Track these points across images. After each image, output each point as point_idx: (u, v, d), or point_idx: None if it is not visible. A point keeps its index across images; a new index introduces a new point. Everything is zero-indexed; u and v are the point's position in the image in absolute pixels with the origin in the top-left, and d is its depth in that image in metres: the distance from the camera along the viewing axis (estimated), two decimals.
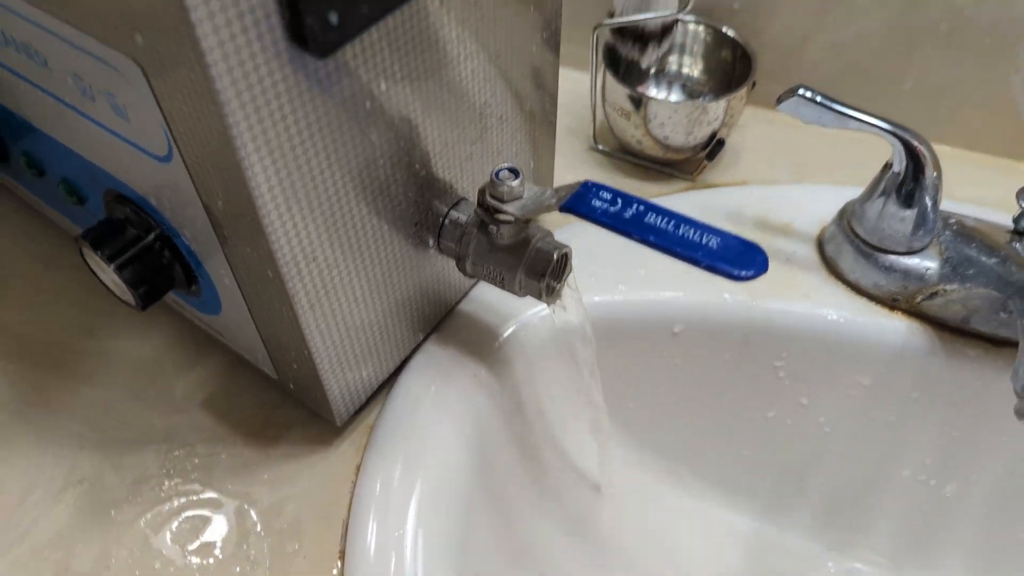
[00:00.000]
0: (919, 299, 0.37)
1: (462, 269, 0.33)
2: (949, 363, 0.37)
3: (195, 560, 0.31)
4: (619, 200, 0.27)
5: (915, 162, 0.34)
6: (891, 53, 0.44)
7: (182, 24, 0.19)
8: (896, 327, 0.37)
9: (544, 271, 0.31)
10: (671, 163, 0.44)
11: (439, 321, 0.37)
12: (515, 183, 0.29)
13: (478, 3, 0.28)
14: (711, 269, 0.25)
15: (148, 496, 0.33)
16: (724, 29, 0.44)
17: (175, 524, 0.32)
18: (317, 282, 0.27)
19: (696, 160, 0.44)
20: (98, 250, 0.29)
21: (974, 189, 0.42)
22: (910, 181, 0.35)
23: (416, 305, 0.34)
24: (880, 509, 0.43)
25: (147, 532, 0.32)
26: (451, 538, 0.32)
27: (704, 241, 0.26)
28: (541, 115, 0.36)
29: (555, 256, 0.31)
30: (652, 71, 0.45)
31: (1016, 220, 0.35)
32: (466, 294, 0.38)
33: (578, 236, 0.35)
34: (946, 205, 0.36)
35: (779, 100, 0.35)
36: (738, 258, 0.25)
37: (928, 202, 0.35)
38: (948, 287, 0.35)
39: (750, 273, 0.25)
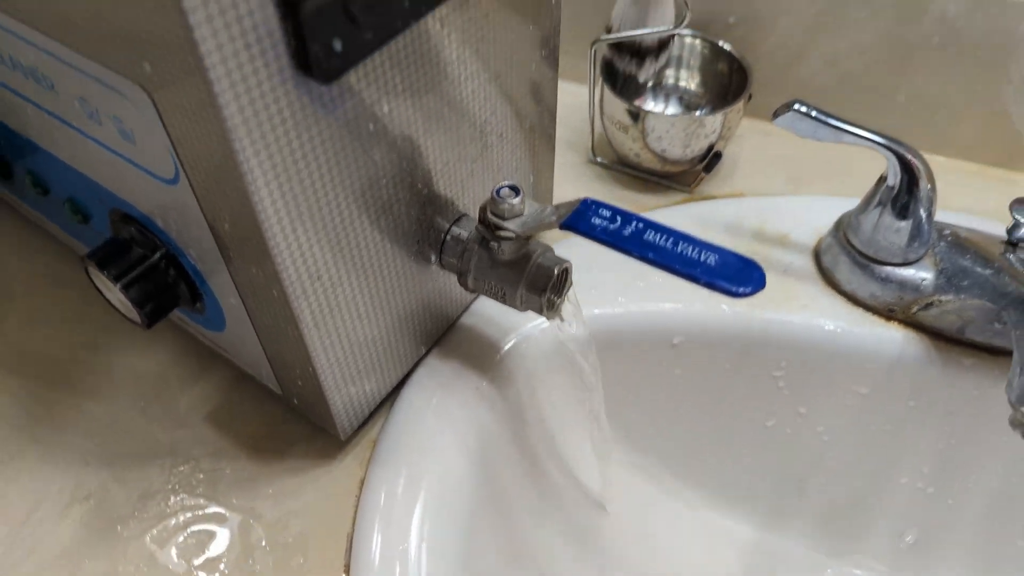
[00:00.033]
0: (915, 309, 0.37)
1: (464, 284, 0.33)
2: (945, 372, 0.38)
3: (201, 575, 0.31)
4: (618, 217, 0.28)
5: (909, 175, 0.35)
6: (885, 66, 0.44)
7: (191, 55, 0.19)
8: (893, 337, 0.38)
9: (545, 286, 0.31)
10: (669, 175, 0.45)
11: (441, 335, 0.37)
12: (516, 201, 0.30)
13: (479, 24, 0.28)
14: (710, 286, 0.26)
15: (154, 511, 0.33)
16: (720, 43, 0.45)
17: (181, 539, 0.32)
18: (322, 300, 0.28)
19: (694, 172, 0.44)
20: (104, 270, 0.29)
21: (969, 199, 0.43)
22: (905, 194, 0.35)
23: (418, 320, 0.34)
24: (878, 516, 0.44)
25: (153, 547, 0.32)
26: (455, 549, 0.33)
27: (702, 258, 0.26)
28: (540, 130, 0.37)
29: (556, 271, 0.31)
30: (649, 84, 0.45)
31: (1010, 231, 0.36)
32: (467, 307, 0.38)
33: (578, 249, 0.36)
34: (941, 215, 0.37)
35: (775, 115, 0.35)
36: (736, 275, 0.26)
37: (923, 214, 0.36)
38: (943, 298, 0.36)
39: (748, 290, 0.25)
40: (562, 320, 0.33)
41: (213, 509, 0.33)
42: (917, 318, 0.37)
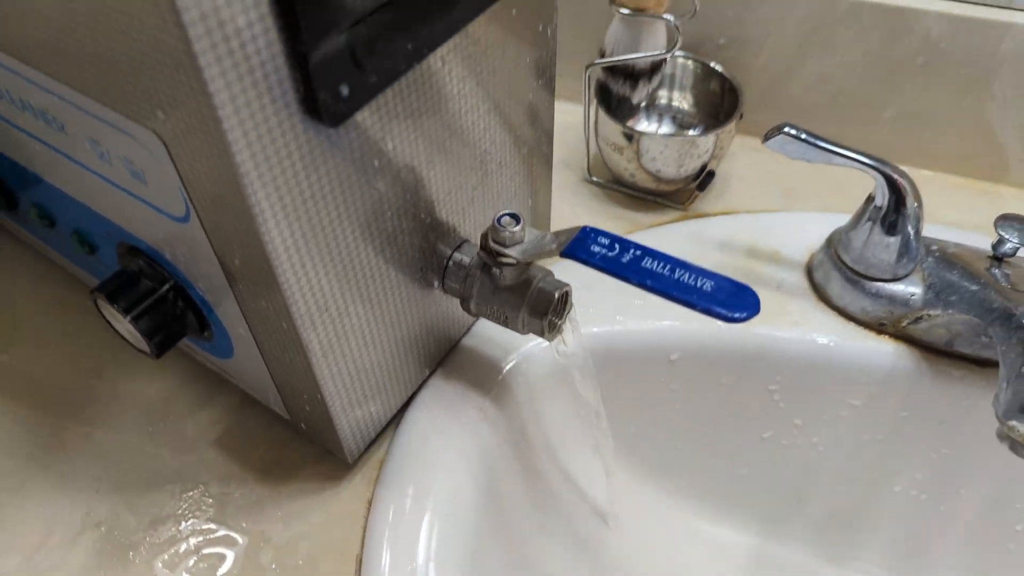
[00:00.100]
0: (905, 323, 0.38)
1: (466, 309, 0.34)
2: (935, 383, 0.39)
3: None
4: (616, 245, 0.29)
5: (897, 194, 0.36)
6: (872, 84, 0.45)
7: (205, 105, 0.20)
8: (884, 350, 0.39)
9: (546, 310, 0.32)
10: (663, 194, 0.46)
11: (444, 356, 0.38)
12: (516, 228, 0.31)
13: (478, 59, 0.29)
14: (706, 312, 0.27)
15: (164, 536, 0.34)
16: (712, 64, 0.46)
17: (191, 563, 0.33)
18: (330, 331, 0.28)
19: (688, 190, 0.45)
20: (114, 303, 0.30)
21: (956, 212, 0.44)
22: (893, 212, 0.36)
23: (422, 343, 0.35)
24: (875, 523, 0.45)
25: (164, 572, 0.32)
26: (463, 567, 0.33)
27: (699, 284, 0.27)
28: (538, 155, 0.38)
29: (556, 295, 0.32)
30: (643, 105, 0.46)
31: (995, 247, 0.37)
32: (469, 329, 0.39)
33: (576, 268, 0.36)
34: (929, 229, 0.38)
35: (766, 137, 0.36)
36: (731, 300, 0.27)
37: (911, 231, 0.37)
38: (932, 312, 0.37)
39: (743, 315, 0.26)
40: (563, 342, 0.34)
41: (223, 533, 0.34)
42: (907, 332, 0.38)
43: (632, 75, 0.42)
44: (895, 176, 0.35)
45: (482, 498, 0.36)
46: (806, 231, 0.43)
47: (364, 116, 0.25)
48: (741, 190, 0.46)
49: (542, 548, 0.41)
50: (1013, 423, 0.30)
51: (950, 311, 0.35)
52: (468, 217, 0.34)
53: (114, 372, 0.39)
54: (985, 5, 0.42)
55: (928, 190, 0.38)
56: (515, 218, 0.31)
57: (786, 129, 0.35)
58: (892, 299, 0.38)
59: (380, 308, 0.31)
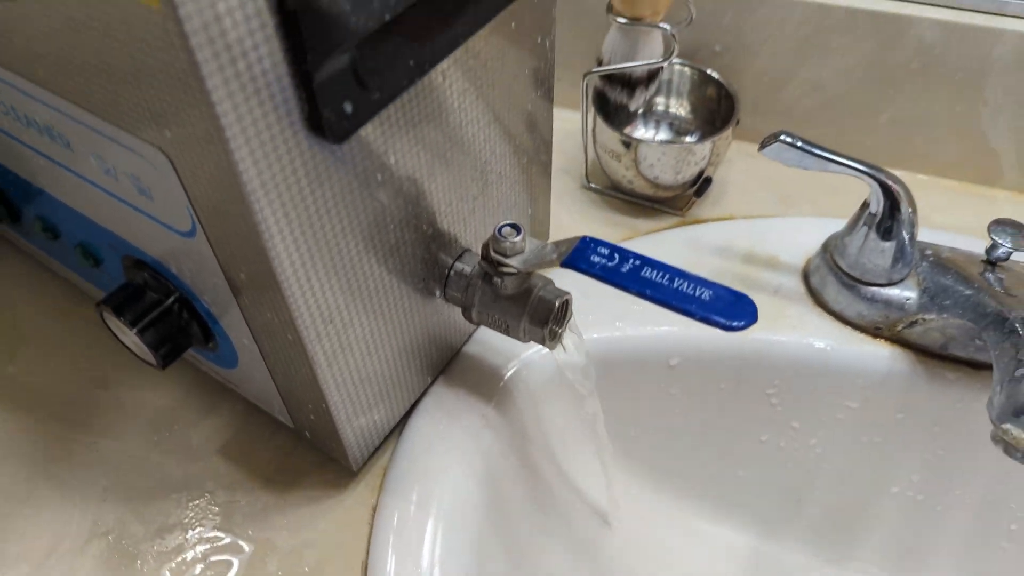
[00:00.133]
0: (900, 327, 0.39)
1: (468, 317, 0.34)
2: (931, 386, 0.39)
3: None
4: (616, 255, 0.29)
5: (891, 201, 0.36)
6: (867, 89, 0.46)
7: (212, 125, 0.20)
8: (880, 354, 0.39)
9: (547, 319, 0.32)
10: (661, 200, 0.46)
11: (446, 364, 0.38)
12: (517, 239, 0.31)
13: (478, 73, 0.29)
14: (705, 321, 0.27)
15: (171, 544, 0.34)
16: (708, 71, 0.46)
17: (198, 570, 0.33)
18: (335, 342, 0.29)
19: (685, 196, 0.46)
20: (121, 316, 0.30)
21: (950, 216, 0.45)
22: (887, 218, 0.37)
23: (425, 351, 0.35)
24: (872, 523, 0.45)
25: None
26: (467, 571, 0.34)
27: (697, 294, 0.28)
28: (537, 164, 0.38)
29: (557, 304, 0.32)
30: (640, 112, 0.47)
31: (988, 251, 0.37)
32: (470, 336, 0.40)
33: (576, 275, 0.37)
34: (923, 233, 0.38)
35: (762, 145, 0.37)
36: (729, 309, 0.27)
37: (905, 236, 0.37)
38: (927, 316, 0.37)
39: (741, 324, 0.27)
40: (563, 349, 0.34)
41: (229, 541, 0.34)
42: (903, 335, 0.39)
43: (629, 83, 0.43)
44: (890, 183, 0.36)
45: (485, 503, 0.37)
46: (802, 236, 0.43)
47: (367, 131, 0.25)
48: (738, 195, 0.47)
49: (544, 550, 0.42)
50: (1007, 426, 0.30)
51: (944, 315, 0.36)
52: (469, 227, 0.34)
53: (119, 382, 0.39)
54: (977, 12, 0.43)
55: (922, 194, 0.38)
56: (516, 228, 0.31)
57: (782, 137, 0.36)
58: (888, 303, 0.38)
59: (383, 318, 0.31)
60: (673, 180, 0.44)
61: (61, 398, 0.39)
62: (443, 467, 0.36)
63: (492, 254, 0.31)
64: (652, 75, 0.43)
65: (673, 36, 0.40)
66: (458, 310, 0.35)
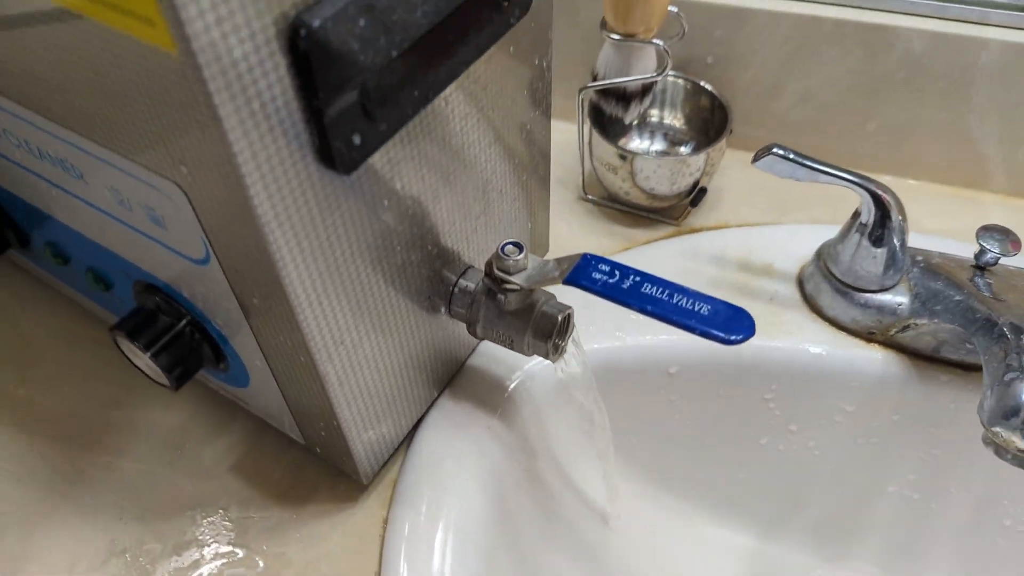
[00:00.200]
0: (893, 332, 0.40)
1: (472, 332, 0.35)
2: (924, 388, 0.40)
3: None
4: (617, 272, 0.30)
5: (882, 210, 0.37)
6: (856, 98, 0.47)
7: (228, 163, 0.21)
8: (874, 358, 0.40)
9: (550, 333, 0.33)
10: (657, 210, 0.47)
11: (451, 377, 0.39)
12: (520, 257, 0.32)
13: (478, 96, 0.30)
14: (704, 335, 0.28)
15: (188, 561, 0.35)
16: (701, 83, 0.47)
17: None
18: (345, 361, 0.30)
19: (681, 206, 0.47)
20: (135, 340, 0.31)
21: (940, 220, 0.46)
22: (878, 227, 0.38)
23: (431, 366, 0.36)
24: (869, 522, 0.46)
25: None
26: None
27: (696, 308, 0.29)
28: (536, 180, 0.39)
29: (559, 318, 0.33)
30: (635, 123, 0.48)
31: (977, 256, 0.38)
32: (474, 349, 0.40)
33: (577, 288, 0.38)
34: (914, 237, 0.39)
35: (755, 158, 0.37)
36: (727, 323, 0.28)
37: (896, 243, 0.38)
38: (919, 321, 0.38)
39: (739, 338, 0.28)
40: (566, 361, 0.35)
41: (245, 556, 0.35)
42: (896, 340, 0.40)
43: (624, 97, 0.44)
44: (880, 192, 0.37)
45: (493, 512, 0.37)
46: (796, 243, 0.44)
47: (374, 159, 0.26)
48: (732, 204, 0.48)
49: (551, 556, 0.43)
50: (997, 429, 0.31)
51: (936, 320, 0.37)
52: (472, 244, 0.35)
53: (130, 402, 0.40)
54: (962, 22, 0.44)
55: (912, 199, 0.39)
56: (518, 247, 0.32)
57: (775, 150, 0.37)
58: (880, 309, 0.39)
59: (391, 336, 0.32)
60: (669, 191, 0.44)
61: (74, 419, 0.40)
62: (451, 478, 0.36)
63: (496, 272, 0.32)
64: (646, 89, 0.44)
65: (666, 51, 0.41)
66: (463, 325, 0.36)
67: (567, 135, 0.48)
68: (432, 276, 0.33)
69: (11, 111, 0.28)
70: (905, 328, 0.39)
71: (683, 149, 0.49)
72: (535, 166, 0.38)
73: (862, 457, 0.44)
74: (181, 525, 0.36)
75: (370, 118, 0.24)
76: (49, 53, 0.23)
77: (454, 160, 0.31)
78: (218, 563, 0.35)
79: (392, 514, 0.36)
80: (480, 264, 0.36)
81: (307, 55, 0.21)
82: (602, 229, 0.47)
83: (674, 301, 0.29)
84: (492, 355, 0.40)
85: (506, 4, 0.28)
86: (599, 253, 0.45)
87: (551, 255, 0.45)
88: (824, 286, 0.41)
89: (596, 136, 0.44)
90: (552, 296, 0.34)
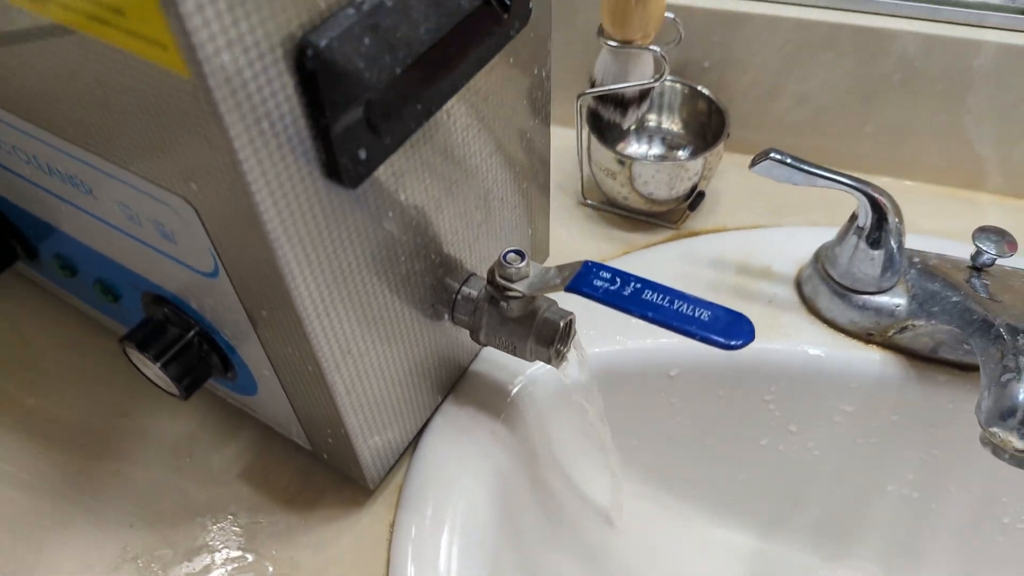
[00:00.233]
0: (891, 333, 0.40)
1: (476, 339, 0.35)
2: (922, 389, 0.41)
3: None
4: (617, 279, 0.30)
5: (879, 213, 0.38)
6: (852, 101, 0.47)
7: (238, 180, 0.22)
8: (872, 359, 0.41)
9: (552, 339, 0.34)
10: (656, 214, 0.47)
11: (454, 383, 0.40)
12: (522, 265, 0.32)
13: (479, 107, 0.31)
14: (705, 341, 0.29)
15: (199, 566, 0.35)
16: (698, 87, 0.47)
17: None
18: (352, 370, 0.30)
19: (679, 210, 0.47)
20: (145, 351, 0.31)
21: (937, 221, 0.46)
22: (876, 230, 0.38)
23: (435, 372, 0.37)
24: (869, 521, 0.47)
25: None
26: None
27: (697, 314, 0.29)
28: (537, 187, 0.39)
29: (561, 324, 0.34)
30: (633, 128, 0.48)
31: (973, 258, 0.39)
32: (477, 355, 0.41)
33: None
34: (911, 238, 0.40)
35: (753, 163, 0.38)
36: (727, 329, 0.29)
37: (893, 245, 0.39)
38: (916, 322, 0.39)
39: (739, 343, 0.28)
40: (568, 368, 0.36)
41: (254, 560, 0.35)
42: (894, 341, 0.40)
43: (622, 102, 0.44)
44: (876, 196, 0.37)
45: (497, 514, 0.38)
46: (794, 246, 0.45)
47: (379, 172, 0.27)
48: (730, 207, 0.48)
49: (554, 556, 0.43)
50: (994, 429, 0.32)
51: (933, 321, 0.37)
52: (474, 252, 0.35)
53: (138, 410, 0.41)
54: (957, 24, 0.44)
55: (909, 200, 0.40)
56: (520, 255, 0.33)
57: (772, 155, 0.37)
58: (878, 311, 0.40)
59: (397, 344, 0.32)
60: (667, 195, 0.45)
61: (83, 427, 0.40)
62: (456, 482, 0.37)
63: (498, 279, 0.33)
64: (644, 94, 0.44)
65: (663, 57, 0.41)
66: (466, 332, 0.36)
67: (566, 140, 0.49)
68: (435, 284, 0.33)
69: (20, 128, 0.29)
70: (903, 329, 0.40)
71: (681, 153, 0.50)
72: (535, 173, 0.39)
73: (861, 457, 0.44)
74: (191, 531, 0.36)
75: (375, 133, 0.24)
76: (61, 73, 0.24)
77: (456, 170, 0.31)
78: (229, 568, 0.35)
79: (398, 518, 0.36)
80: (482, 271, 0.36)
81: (314, 74, 0.21)
82: (601, 233, 0.48)
83: (675, 307, 0.29)
84: (494, 360, 0.41)
85: (506, 17, 0.28)
86: (598, 257, 0.46)
87: (551, 260, 0.45)
88: (822, 288, 0.41)
89: (595, 142, 0.45)
90: (554, 302, 0.35)
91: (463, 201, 0.33)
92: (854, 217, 0.39)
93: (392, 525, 0.36)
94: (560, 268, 0.32)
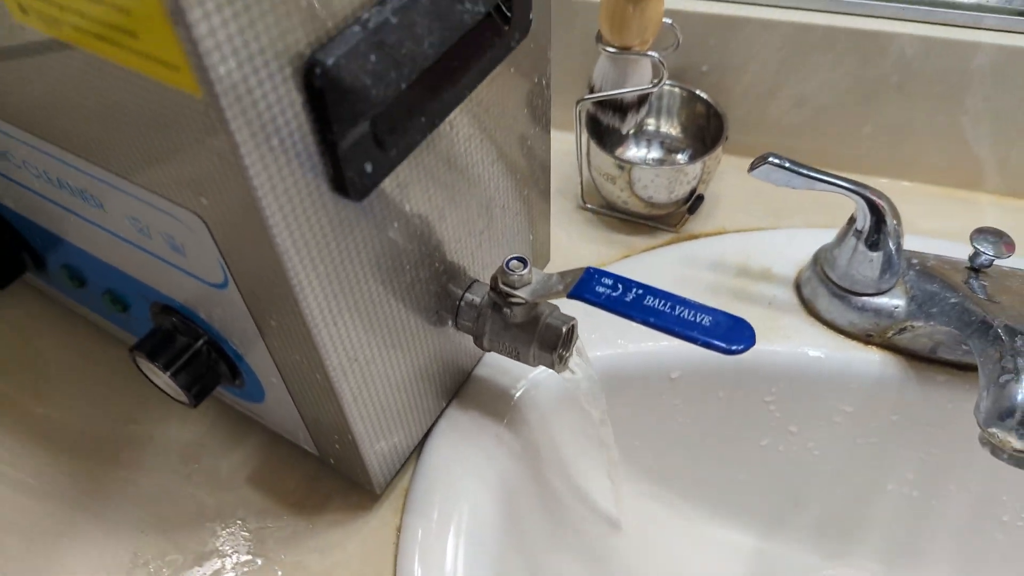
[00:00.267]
0: (890, 334, 0.41)
1: (479, 345, 0.36)
2: (922, 389, 0.41)
3: None
4: (619, 285, 0.31)
5: (877, 215, 0.38)
6: (850, 103, 0.48)
7: (248, 195, 0.22)
8: (872, 359, 0.41)
9: (555, 344, 0.34)
10: (655, 217, 0.48)
11: (459, 387, 0.40)
12: (524, 271, 0.33)
13: (480, 117, 0.31)
14: (707, 346, 0.29)
15: (209, 571, 0.36)
16: (697, 91, 0.48)
17: None
18: (359, 378, 0.30)
19: (679, 213, 0.48)
20: (154, 361, 0.32)
21: (936, 221, 0.47)
22: (874, 232, 0.39)
23: (439, 377, 0.37)
24: (869, 521, 0.47)
25: None
26: None
27: (698, 320, 0.30)
28: (537, 194, 0.40)
29: (564, 330, 0.34)
30: (631, 132, 0.49)
31: (971, 259, 0.39)
32: (480, 360, 0.41)
33: None
34: (910, 239, 0.40)
35: (751, 167, 0.38)
36: (728, 334, 0.29)
37: (892, 247, 0.39)
38: (915, 323, 0.39)
39: (740, 347, 0.29)
40: (571, 372, 0.36)
41: (263, 565, 0.36)
42: (893, 342, 0.41)
43: (620, 107, 0.45)
44: (874, 198, 0.38)
45: (502, 517, 0.38)
46: (793, 248, 0.45)
47: (384, 184, 0.27)
48: (730, 210, 0.49)
49: (558, 558, 0.44)
50: (993, 430, 0.32)
51: (932, 323, 0.38)
52: (477, 259, 0.36)
53: (147, 417, 0.41)
54: (954, 26, 0.45)
55: (907, 200, 0.40)
56: (522, 262, 0.33)
57: (770, 159, 0.38)
58: (877, 312, 0.40)
59: (402, 351, 0.33)
60: (667, 199, 0.45)
61: (92, 435, 0.41)
62: (461, 485, 0.37)
63: (501, 286, 0.33)
64: (642, 99, 0.44)
65: (661, 62, 0.42)
66: (469, 337, 0.37)
67: (565, 145, 0.49)
68: (439, 292, 0.34)
69: (30, 143, 0.29)
70: (902, 330, 0.40)
71: (680, 157, 0.50)
72: (536, 180, 0.39)
73: (862, 457, 0.45)
74: (201, 536, 0.37)
75: (381, 147, 0.25)
76: (72, 90, 0.24)
77: (459, 179, 0.32)
78: (239, 572, 0.36)
79: (405, 522, 0.37)
80: (485, 278, 0.37)
81: (322, 92, 0.22)
82: (601, 237, 0.48)
83: (676, 313, 0.30)
84: (497, 365, 0.41)
85: (507, 28, 0.29)
86: (598, 261, 0.47)
87: (552, 265, 0.46)
88: (821, 290, 0.42)
89: (594, 147, 0.45)
90: (556, 308, 0.35)
91: (466, 209, 0.33)
92: (852, 220, 0.40)
93: (398, 528, 0.37)
94: (562, 274, 0.33)
